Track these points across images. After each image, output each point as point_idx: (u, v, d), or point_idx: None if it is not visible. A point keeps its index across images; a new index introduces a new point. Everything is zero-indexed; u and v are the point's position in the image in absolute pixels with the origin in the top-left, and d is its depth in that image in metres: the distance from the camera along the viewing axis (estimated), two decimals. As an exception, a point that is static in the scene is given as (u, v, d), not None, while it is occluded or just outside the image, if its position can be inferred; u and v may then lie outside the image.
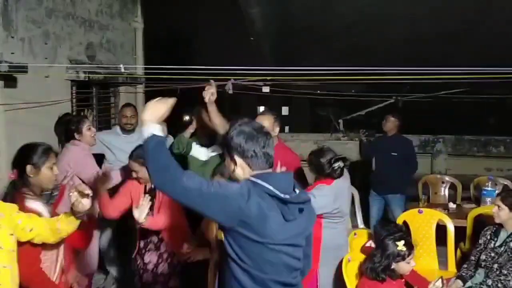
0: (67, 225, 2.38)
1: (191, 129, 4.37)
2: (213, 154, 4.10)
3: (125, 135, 4.65)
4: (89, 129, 3.88)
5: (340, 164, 3.24)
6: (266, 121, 3.57)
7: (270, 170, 1.97)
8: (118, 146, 4.53)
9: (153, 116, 1.93)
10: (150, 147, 1.85)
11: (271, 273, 1.92)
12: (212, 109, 3.57)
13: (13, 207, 2.30)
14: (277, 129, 3.68)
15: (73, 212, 2.35)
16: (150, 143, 1.85)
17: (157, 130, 1.89)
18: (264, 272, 1.91)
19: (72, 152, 3.78)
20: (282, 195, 1.86)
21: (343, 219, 3.39)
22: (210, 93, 3.46)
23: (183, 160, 4.31)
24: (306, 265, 2.17)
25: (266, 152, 1.93)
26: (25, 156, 2.53)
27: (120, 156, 4.44)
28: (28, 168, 2.48)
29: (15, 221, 2.24)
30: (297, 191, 1.96)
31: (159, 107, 1.97)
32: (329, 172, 3.25)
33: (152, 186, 3.39)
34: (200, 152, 4.20)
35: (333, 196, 3.20)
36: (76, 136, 3.86)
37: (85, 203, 2.31)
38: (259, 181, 1.88)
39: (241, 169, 1.95)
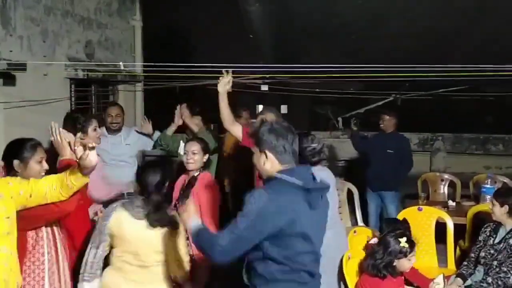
0: (76, 180, 2.30)
1: (173, 127, 4.40)
2: None
3: (110, 135, 4.59)
4: (95, 129, 3.86)
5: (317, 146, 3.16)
6: (268, 119, 3.55)
7: (294, 165, 2.14)
8: (102, 147, 4.35)
9: (190, 217, 2.22)
10: (195, 240, 2.17)
11: (302, 263, 2.08)
12: (223, 101, 3.56)
13: (9, 179, 2.28)
14: None
15: (80, 169, 2.29)
16: (194, 237, 2.16)
17: (195, 223, 2.18)
18: (296, 263, 2.06)
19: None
20: (305, 185, 2.04)
21: None
22: (224, 83, 3.46)
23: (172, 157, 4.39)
24: None
25: (294, 148, 2.14)
26: (12, 152, 2.53)
27: (104, 157, 4.35)
28: (15, 163, 2.48)
29: (17, 194, 2.22)
30: (318, 179, 2.13)
31: (191, 210, 2.25)
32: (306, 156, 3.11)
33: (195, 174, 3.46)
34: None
35: None
36: (81, 135, 3.83)
37: (92, 158, 2.24)
38: (284, 176, 2.06)
39: (270, 163, 2.12)
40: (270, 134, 2.12)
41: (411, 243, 2.98)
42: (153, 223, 2.55)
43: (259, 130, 2.17)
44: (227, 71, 3.51)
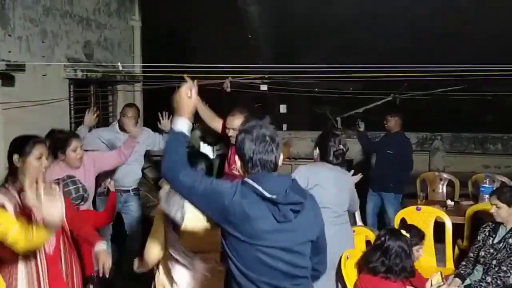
0: (39, 237, 2.17)
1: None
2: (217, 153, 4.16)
3: (123, 133, 4.57)
4: (75, 150, 3.62)
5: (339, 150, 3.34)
6: (237, 121, 3.54)
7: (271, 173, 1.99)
8: (117, 144, 4.49)
9: (181, 110, 2.03)
10: (168, 141, 2.04)
11: (262, 275, 1.92)
12: (199, 107, 3.58)
13: None
14: None
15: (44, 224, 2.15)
16: (169, 139, 2.04)
17: (182, 125, 2.02)
18: (254, 272, 1.92)
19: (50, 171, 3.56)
20: (268, 195, 1.87)
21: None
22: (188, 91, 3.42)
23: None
24: (322, 268, 2.21)
25: (262, 158, 1.96)
26: (13, 147, 2.52)
27: None
28: (15, 157, 2.47)
29: None
30: (288, 191, 1.93)
31: (185, 100, 2.04)
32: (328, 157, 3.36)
33: None
34: (206, 150, 4.24)
35: (305, 174, 3.24)
36: (60, 156, 3.66)
37: (54, 212, 2.10)
38: (249, 181, 1.93)
39: (241, 168, 2.03)
40: (240, 140, 2.00)
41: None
42: None
43: (238, 134, 2.07)
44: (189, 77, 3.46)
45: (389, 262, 2.88)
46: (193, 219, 2.46)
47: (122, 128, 4.59)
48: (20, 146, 2.49)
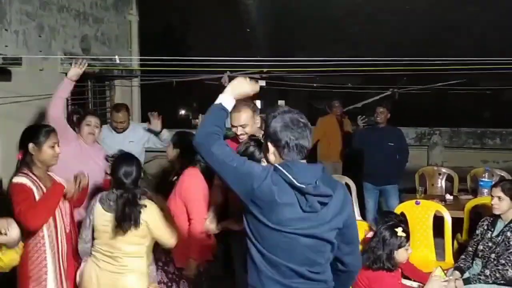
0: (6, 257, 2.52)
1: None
2: None
3: (116, 132, 4.51)
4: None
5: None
6: (244, 116, 3.02)
7: (302, 162, 1.96)
8: (109, 143, 4.38)
9: (234, 90, 2.07)
10: (208, 112, 2.02)
11: (283, 258, 1.93)
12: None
13: None
14: (258, 120, 3.13)
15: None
16: (211, 109, 2.03)
17: (228, 103, 2.04)
18: (276, 255, 1.93)
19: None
20: (297, 184, 1.86)
21: None
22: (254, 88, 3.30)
23: None
24: (353, 263, 2.13)
25: (299, 143, 1.94)
26: (28, 136, 2.73)
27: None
28: (30, 146, 2.69)
29: None
30: (318, 183, 1.91)
31: (244, 86, 2.10)
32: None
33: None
34: None
35: None
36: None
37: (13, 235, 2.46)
38: (280, 168, 1.90)
39: (273, 156, 1.99)
40: (274, 125, 1.95)
41: (407, 234, 2.98)
42: (119, 222, 2.62)
43: (267, 119, 2.02)
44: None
45: (380, 253, 2.92)
46: None
47: (112, 126, 4.53)
48: (35, 135, 2.71)
